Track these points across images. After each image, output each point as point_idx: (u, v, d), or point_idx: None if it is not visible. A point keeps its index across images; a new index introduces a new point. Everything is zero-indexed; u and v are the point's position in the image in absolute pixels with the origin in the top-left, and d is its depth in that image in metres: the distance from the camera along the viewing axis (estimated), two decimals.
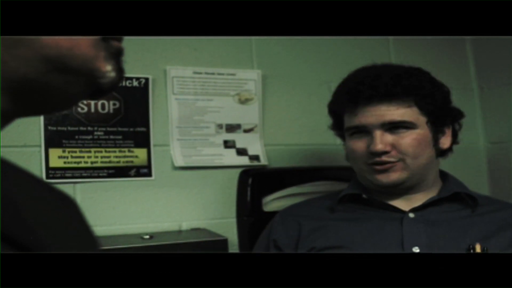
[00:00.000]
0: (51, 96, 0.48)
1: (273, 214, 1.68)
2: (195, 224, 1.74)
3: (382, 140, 1.33)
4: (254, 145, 1.83)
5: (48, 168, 1.57)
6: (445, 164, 2.15)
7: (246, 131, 1.83)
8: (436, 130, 1.37)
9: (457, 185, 1.42)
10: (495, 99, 2.22)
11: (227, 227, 1.75)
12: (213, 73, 1.81)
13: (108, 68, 0.49)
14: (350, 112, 1.39)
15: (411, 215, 1.37)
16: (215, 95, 1.80)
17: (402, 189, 1.38)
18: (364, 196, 1.41)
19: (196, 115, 1.77)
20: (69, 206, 0.52)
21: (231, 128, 1.81)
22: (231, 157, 1.80)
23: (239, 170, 1.78)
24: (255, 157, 1.82)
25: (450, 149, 1.44)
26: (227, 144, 1.80)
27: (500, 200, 1.48)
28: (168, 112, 1.74)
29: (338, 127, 1.48)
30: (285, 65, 1.93)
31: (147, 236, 1.57)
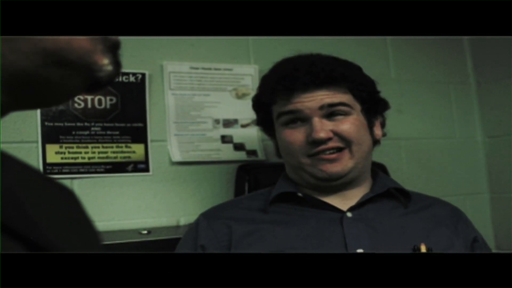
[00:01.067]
0: (49, 89, 0.48)
1: None
2: (193, 219, 1.72)
3: (322, 127, 1.27)
4: (251, 140, 1.83)
5: (45, 164, 1.57)
6: (442, 158, 2.15)
7: (243, 126, 1.83)
8: (370, 119, 1.36)
9: (389, 181, 1.40)
10: (492, 93, 2.22)
11: None
12: (210, 68, 1.81)
13: (105, 62, 0.49)
14: (284, 100, 1.31)
15: (349, 214, 1.31)
16: (212, 90, 1.80)
17: (340, 183, 1.32)
18: (299, 194, 1.34)
19: (193, 110, 1.77)
20: (69, 198, 0.52)
21: (228, 123, 1.81)
22: (228, 152, 1.80)
23: (236, 165, 1.78)
24: (253, 152, 1.82)
25: (379, 141, 1.42)
26: (225, 139, 1.80)
27: (427, 195, 1.46)
28: (165, 108, 1.74)
29: (266, 120, 1.41)
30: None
31: (145, 231, 1.57)
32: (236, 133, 1.82)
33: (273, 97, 1.35)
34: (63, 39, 0.46)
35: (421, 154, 2.13)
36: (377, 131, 1.38)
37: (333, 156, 1.29)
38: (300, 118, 1.31)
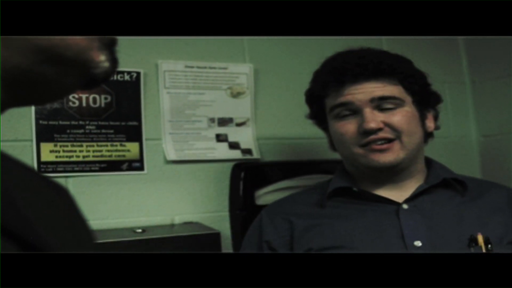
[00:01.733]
0: (44, 86, 0.48)
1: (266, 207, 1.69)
2: (188, 217, 1.74)
3: (373, 118, 1.30)
4: (247, 138, 1.83)
5: (40, 162, 1.57)
6: (437, 157, 2.15)
7: (238, 124, 1.83)
8: (421, 110, 1.37)
9: (443, 171, 1.40)
10: (487, 92, 2.22)
11: (219, 220, 1.75)
12: (205, 67, 1.81)
13: (101, 58, 0.49)
14: (336, 92, 1.34)
15: (405, 206, 1.33)
16: (207, 89, 1.80)
17: (395, 173, 1.35)
18: (354, 189, 1.37)
19: (188, 109, 1.77)
20: (63, 197, 0.52)
21: (223, 121, 1.81)
22: (223, 151, 1.80)
23: (231, 164, 1.78)
24: (248, 151, 1.82)
25: (432, 134, 1.43)
26: (219, 138, 1.80)
27: (485, 181, 1.46)
28: (160, 106, 1.74)
29: (319, 114, 1.44)
30: (277, 58, 1.93)
31: (140, 230, 1.57)
32: (231, 131, 1.82)
33: (324, 91, 1.38)
34: (58, 36, 0.45)
35: None
36: (429, 123, 1.40)
37: (384, 146, 1.30)
38: (352, 110, 1.33)
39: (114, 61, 0.51)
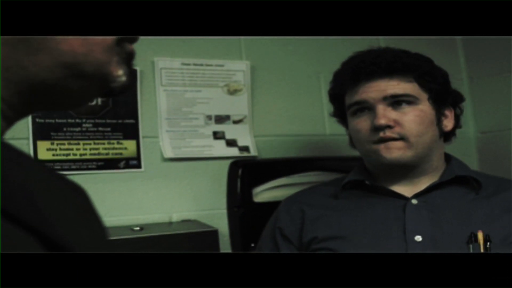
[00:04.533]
0: (67, 96, 0.52)
1: (263, 205, 1.69)
2: (186, 215, 1.73)
3: (385, 114, 1.32)
4: (244, 136, 1.83)
5: (36, 160, 1.56)
6: None
7: (235, 122, 1.82)
8: (438, 108, 1.37)
9: (460, 168, 1.41)
10: (485, 89, 2.22)
11: (217, 218, 1.75)
12: (201, 64, 1.80)
13: (120, 73, 0.53)
14: (352, 90, 1.38)
15: (414, 201, 1.35)
16: (203, 86, 1.80)
17: (407, 170, 1.37)
18: (367, 182, 1.41)
19: (185, 107, 1.76)
20: (80, 194, 0.53)
21: (220, 119, 1.81)
22: (220, 148, 1.79)
23: (228, 161, 1.78)
24: (245, 148, 1.82)
25: (453, 133, 1.44)
26: (217, 135, 1.80)
27: (507, 179, 1.45)
28: (157, 104, 1.73)
29: (340, 112, 1.47)
30: (274, 56, 1.92)
31: (137, 228, 1.56)
32: (228, 129, 1.81)
33: (342, 89, 1.42)
34: (80, 52, 0.49)
35: None
36: (447, 122, 1.40)
37: (391, 143, 1.32)
38: (367, 108, 1.36)
39: (130, 75, 0.55)
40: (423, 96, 1.35)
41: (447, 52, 2.25)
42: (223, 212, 1.77)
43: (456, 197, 1.36)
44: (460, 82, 2.25)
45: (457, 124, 1.44)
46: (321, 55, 1.97)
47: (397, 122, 1.32)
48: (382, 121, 1.31)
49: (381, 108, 1.33)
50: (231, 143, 1.81)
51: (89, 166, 1.62)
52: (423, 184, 1.38)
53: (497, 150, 2.17)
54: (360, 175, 1.43)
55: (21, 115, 0.52)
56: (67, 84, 0.50)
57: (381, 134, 1.32)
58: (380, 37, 2.04)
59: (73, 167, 1.60)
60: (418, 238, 1.29)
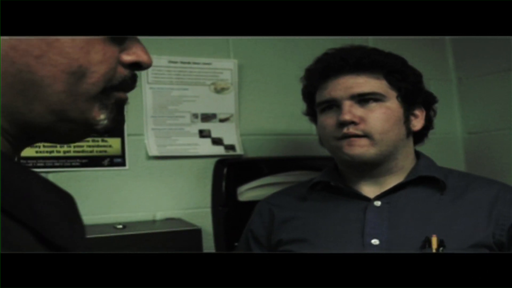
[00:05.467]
0: (58, 136, 0.62)
1: (247, 204, 1.68)
2: (170, 214, 1.73)
3: (350, 110, 1.31)
4: (230, 134, 1.83)
5: (19, 157, 1.55)
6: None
7: (221, 120, 1.82)
8: (407, 107, 1.36)
9: (426, 167, 1.39)
10: (473, 89, 2.22)
11: (201, 217, 1.75)
12: (188, 62, 1.80)
13: (101, 117, 0.61)
14: (321, 87, 1.38)
15: (377, 203, 1.34)
16: (190, 84, 1.79)
17: (372, 168, 1.35)
18: (331, 183, 1.39)
19: (171, 105, 1.76)
20: (68, 200, 0.58)
21: (206, 117, 1.80)
22: (206, 147, 1.79)
23: (214, 160, 1.78)
24: (231, 147, 1.82)
25: (424, 133, 1.43)
26: (203, 134, 1.79)
27: (479, 177, 1.42)
28: (143, 101, 1.73)
29: (312, 110, 1.46)
30: (262, 54, 1.92)
31: (120, 226, 1.56)
32: (214, 127, 1.81)
33: (313, 86, 1.42)
34: (67, 102, 0.58)
35: None
36: (416, 122, 1.39)
37: (354, 140, 1.31)
38: (336, 105, 1.35)
39: (113, 119, 0.63)
40: (391, 94, 1.34)
41: (436, 52, 2.26)
42: (208, 211, 1.77)
43: (419, 198, 1.34)
44: (449, 82, 2.26)
45: (428, 125, 1.42)
46: (308, 55, 1.96)
47: (362, 119, 1.31)
48: (347, 117, 1.30)
49: (347, 104, 1.32)
50: (217, 141, 1.81)
51: (73, 164, 1.62)
52: (389, 184, 1.36)
53: (484, 151, 2.18)
54: (327, 176, 1.42)
55: (23, 145, 0.62)
56: (56, 127, 0.59)
57: (345, 130, 1.31)
58: (369, 37, 2.04)
59: (57, 164, 1.60)
60: (375, 241, 1.28)
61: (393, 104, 1.33)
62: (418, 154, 1.44)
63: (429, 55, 2.23)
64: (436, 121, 2.20)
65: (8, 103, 0.56)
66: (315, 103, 1.42)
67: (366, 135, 1.31)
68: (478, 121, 2.20)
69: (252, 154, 1.85)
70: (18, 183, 0.53)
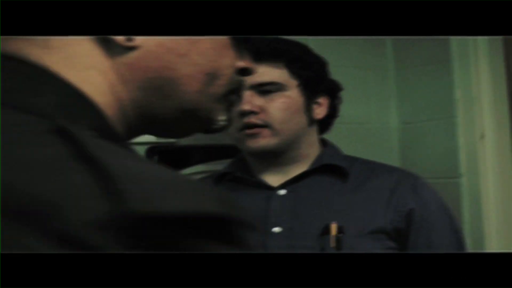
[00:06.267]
0: (176, 132, 0.66)
1: None
2: None
3: (250, 100, 1.31)
4: None
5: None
6: (357, 143, 2.16)
7: None
8: (309, 96, 1.36)
9: (330, 156, 1.40)
10: (410, 79, 2.25)
11: None
12: None
13: (223, 118, 0.65)
14: None
15: (282, 192, 1.35)
16: None
17: (275, 158, 1.36)
18: (236, 174, 1.39)
19: None
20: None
21: None
22: None
23: (145, 147, 1.75)
24: None
25: (329, 122, 1.43)
26: None
27: (380, 164, 1.45)
28: None
29: None
30: None
31: None
32: None
33: None
34: (198, 101, 0.61)
35: (337, 138, 2.12)
36: (320, 111, 1.38)
37: (253, 131, 1.31)
38: (239, 95, 1.34)
39: (229, 120, 0.67)
40: (292, 83, 1.34)
41: (374, 41, 2.26)
42: None
43: (322, 186, 1.36)
44: (386, 72, 2.27)
45: (333, 113, 1.42)
46: None
47: (262, 109, 1.31)
48: (246, 107, 1.30)
49: (248, 95, 1.31)
50: None
51: None
52: (293, 173, 1.37)
53: (419, 141, 2.21)
54: (233, 167, 1.42)
55: (132, 136, 0.63)
56: (180, 123, 0.62)
57: (245, 120, 1.31)
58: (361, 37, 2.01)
59: None
60: (277, 229, 1.30)
61: (293, 93, 1.34)
62: (325, 143, 1.44)
63: (367, 44, 2.23)
64: (372, 111, 2.22)
65: (143, 97, 0.58)
66: None
67: (266, 125, 1.31)
68: (413, 110, 2.23)
69: (184, 141, 1.82)
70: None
